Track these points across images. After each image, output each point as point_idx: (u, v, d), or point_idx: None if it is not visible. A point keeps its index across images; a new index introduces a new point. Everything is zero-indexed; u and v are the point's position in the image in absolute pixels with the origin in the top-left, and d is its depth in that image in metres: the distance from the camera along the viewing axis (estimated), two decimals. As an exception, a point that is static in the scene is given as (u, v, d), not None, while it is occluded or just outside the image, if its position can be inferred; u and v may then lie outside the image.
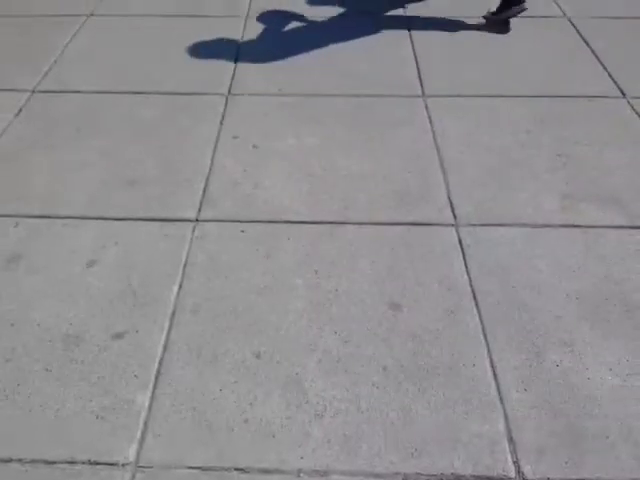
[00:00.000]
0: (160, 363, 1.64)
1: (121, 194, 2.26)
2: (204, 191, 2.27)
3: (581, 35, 3.29)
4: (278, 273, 1.92)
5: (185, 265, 1.95)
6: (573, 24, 3.40)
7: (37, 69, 3.01)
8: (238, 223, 2.13)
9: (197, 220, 2.14)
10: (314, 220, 2.13)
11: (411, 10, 3.59)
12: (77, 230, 2.09)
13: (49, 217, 2.15)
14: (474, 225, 2.10)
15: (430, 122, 2.65)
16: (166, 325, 1.74)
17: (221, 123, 2.65)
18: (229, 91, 2.87)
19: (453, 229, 2.09)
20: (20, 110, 2.73)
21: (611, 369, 1.62)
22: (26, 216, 2.15)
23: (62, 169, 2.39)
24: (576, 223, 2.11)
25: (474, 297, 1.82)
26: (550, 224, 2.10)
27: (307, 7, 3.61)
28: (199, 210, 2.18)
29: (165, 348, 1.67)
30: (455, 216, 2.14)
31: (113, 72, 3.01)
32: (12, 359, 1.65)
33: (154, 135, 2.58)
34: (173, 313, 1.78)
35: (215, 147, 2.51)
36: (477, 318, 1.76)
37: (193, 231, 2.09)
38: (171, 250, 2.01)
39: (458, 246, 2.02)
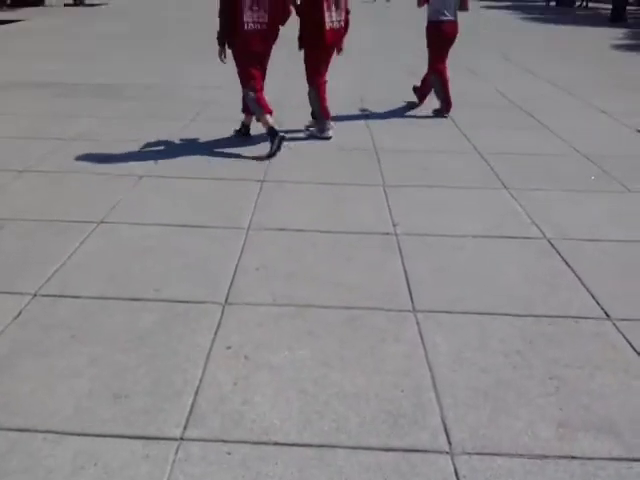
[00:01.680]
0: None
1: (107, 407, 2.21)
2: (192, 406, 2.23)
3: (562, 256, 3.49)
4: (263, 504, 1.80)
5: (165, 492, 1.84)
6: (553, 245, 3.63)
7: (42, 273, 3.13)
8: (224, 444, 2.05)
9: (182, 439, 2.06)
10: (304, 442, 2.06)
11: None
12: (57, 447, 2.01)
13: (29, 430, 2.08)
14: (470, 454, 2.03)
15: (421, 338, 2.70)
16: None
17: (215, 333, 2.69)
18: (226, 300, 2.96)
19: (448, 457, 2.02)
20: (19, 313, 2.79)
21: None
22: (6, 429, 2.08)
23: (51, 377, 2.37)
24: (573, 454, 2.04)
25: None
26: (547, 455, 2.04)
27: (313, 233, 3.87)
28: (185, 428, 2.11)
29: None
30: (450, 443, 2.08)
31: (116, 278, 3.12)
32: None
33: (148, 343, 2.60)
34: None
35: (208, 357, 2.52)
36: None
37: (176, 452, 2.00)
38: (151, 474, 1.91)
39: (454, 477, 1.93)
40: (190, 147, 5.38)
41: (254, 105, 5.13)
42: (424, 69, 6.76)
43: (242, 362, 2.50)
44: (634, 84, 8.88)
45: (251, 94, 5.09)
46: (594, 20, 18.73)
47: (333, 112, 5.80)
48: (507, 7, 22.27)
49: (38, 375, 2.38)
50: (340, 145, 5.52)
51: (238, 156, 5.16)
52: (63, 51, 10.71)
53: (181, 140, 5.57)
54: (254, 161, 5.01)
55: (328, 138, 5.66)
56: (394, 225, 3.86)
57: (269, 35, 5.01)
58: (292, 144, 5.43)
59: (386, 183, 4.60)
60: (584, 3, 23.13)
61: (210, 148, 5.35)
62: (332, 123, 5.75)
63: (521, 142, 5.77)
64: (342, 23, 5.44)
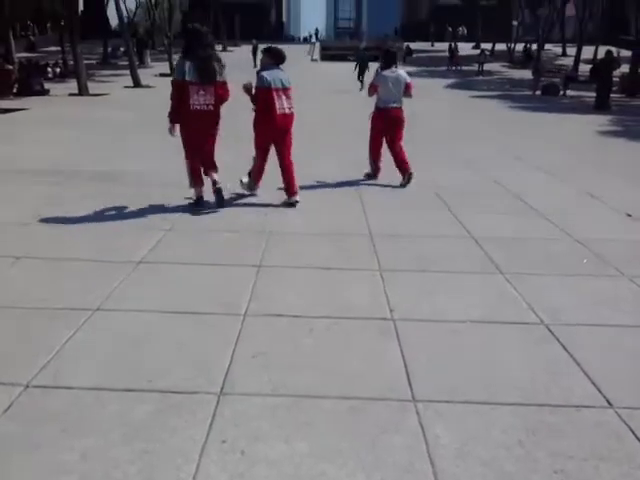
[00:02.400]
0: None
1: (96, 507, 2.11)
2: (185, 506, 2.14)
3: (561, 342, 3.47)
4: None
5: None
6: (551, 331, 3.62)
7: (35, 363, 3.08)
8: None
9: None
10: None
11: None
12: None
13: (13, 534, 1.98)
14: None
15: (422, 429, 2.63)
16: None
17: (210, 425, 2.62)
18: (221, 390, 2.90)
19: None
20: (10, 405, 2.72)
21: None
22: (-11, 532, 1.98)
23: (38, 474, 2.28)
24: None
25: None
26: None
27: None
28: (178, 530, 2.02)
29: None
30: None
31: (110, 368, 3.08)
32: None
33: (141, 437, 2.53)
34: None
35: (202, 452, 2.44)
36: None
37: None
38: None
39: None
40: (185, 232, 5.46)
41: (189, 175, 6.19)
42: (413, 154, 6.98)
43: (238, 457, 2.42)
44: (620, 169, 9.15)
45: (188, 165, 6.15)
46: (579, 108, 19.53)
47: (326, 194, 5.93)
48: (495, 96, 23.24)
49: (26, 472, 2.29)
50: (334, 229, 5.60)
51: (232, 240, 5.23)
52: (65, 138, 11.05)
53: (176, 226, 5.65)
54: (250, 246, 5.07)
55: (255, 195, 6.71)
56: (391, 310, 3.86)
57: (213, 115, 6.00)
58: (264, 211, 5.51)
59: (382, 268, 4.63)
60: (563, 92, 24.17)
61: (206, 232, 5.43)
62: (260, 183, 6.75)
63: (514, 227, 5.87)
64: (292, 110, 6.35)
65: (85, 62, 23.01)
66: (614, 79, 20.67)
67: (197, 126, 5.90)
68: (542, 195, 7.24)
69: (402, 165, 7.63)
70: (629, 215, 6.35)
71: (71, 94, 20.50)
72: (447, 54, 36.99)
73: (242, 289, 4.14)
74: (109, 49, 37.54)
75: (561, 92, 24.25)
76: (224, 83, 6.05)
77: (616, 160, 10.16)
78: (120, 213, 6.04)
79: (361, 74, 24.75)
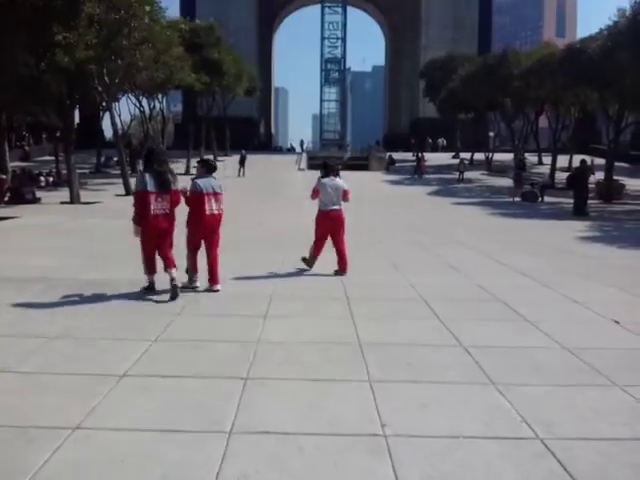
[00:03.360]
0: None
1: None
2: None
3: (557, 458, 3.37)
4: None
5: None
6: (547, 446, 3.51)
7: (8, 489, 2.91)
8: None
9: None
10: None
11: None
12: None
13: None
14: None
15: None
16: None
17: None
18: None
19: None
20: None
21: None
22: None
23: None
24: None
25: None
26: None
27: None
28: None
29: None
30: None
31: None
32: None
33: None
34: None
35: None
36: None
37: None
38: None
39: None
40: (172, 344, 5.37)
41: (144, 263, 7.26)
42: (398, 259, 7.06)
43: None
44: (602, 275, 9.30)
45: (144, 256, 7.19)
46: (558, 214, 20.18)
47: (318, 304, 5.90)
48: (476, 203, 24.03)
49: None
50: (323, 338, 5.55)
51: (219, 354, 5.14)
52: (55, 246, 11.11)
53: (162, 336, 5.57)
54: (235, 358, 4.98)
55: (196, 287, 7.52)
56: (382, 425, 3.75)
57: (170, 217, 7.20)
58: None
59: (371, 379, 4.55)
60: (541, 198, 25.06)
61: (194, 340, 5.35)
62: (197, 275, 7.60)
63: (503, 335, 5.85)
64: (220, 211, 7.55)
65: (78, 171, 23.68)
66: (590, 186, 21.56)
67: (156, 227, 7.04)
68: (527, 301, 7.29)
69: (341, 259, 8.86)
70: (616, 322, 6.38)
71: (63, 202, 20.90)
72: (418, 162, 38.72)
73: (229, 403, 4.02)
74: (102, 159, 38.75)
75: (539, 199, 25.14)
76: (177, 191, 7.29)
77: (597, 265, 10.36)
78: (106, 324, 5.96)
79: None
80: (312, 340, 5.52)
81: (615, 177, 26.50)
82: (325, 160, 9.45)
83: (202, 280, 7.58)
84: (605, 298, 7.55)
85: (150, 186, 6.97)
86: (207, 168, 7.70)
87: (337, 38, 72.68)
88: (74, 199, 21.00)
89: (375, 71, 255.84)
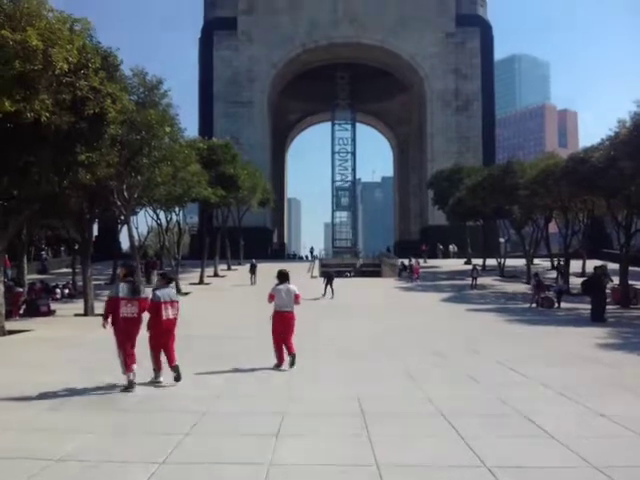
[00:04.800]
0: None
1: None
2: None
3: None
4: None
5: None
6: None
7: None
8: None
9: None
10: None
11: None
12: None
13: None
14: None
15: None
16: None
17: None
18: None
19: None
20: None
21: None
22: None
23: None
24: None
25: None
26: None
27: None
28: None
29: None
30: None
31: None
32: None
33: None
34: None
35: None
36: None
37: None
38: None
39: None
40: (184, 464, 5.16)
41: (123, 362, 8.30)
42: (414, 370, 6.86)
43: None
44: (626, 384, 8.98)
45: (122, 354, 8.32)
46: (576, 320, 19.83)
47: (332, 420, 5.69)
48: (491, 310, 23.75)
49: None
50: (339, 460, 5.30)
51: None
52: (65, 361, 11.00)
53: (170, 459, 5.36)
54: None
55: (160, 382, 8.69)
56: None
57: (137, 320, 8.54)
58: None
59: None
60: (557, 305, 24.78)
61: (205, 463, 5.13)
62: (162, 371, 8.77)
63: (527, 453, 5.57)
64: (175, 316, 8.92)
65: (94, 282, 23.95)
66: (606, 291, 21.35)
67: (126, 329, 8.40)
68: (550, 415, 7.00)
69: (289, 348, 10.17)
70: (646, 437, 6.07)
71: (77, 314, 20.96)
72: (412, 267, 39.54)
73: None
74: (118, 270, 39.26)
75: (556, 305, 24.85)
76: (145, 298, 8.73)
77: (619, 374, 10.02)
78: (113, 446, 5.76)
79: (328, 285, 29.58)
80: (327, 462, 5.27)
81: (630, 282, 26.31)
82: (280, 270, 10.73)
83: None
84: (630, 410, 7.22)
85: (123, 293, 8.44)
86: (166, 280, 9.29)
87: (347, 152, 75.93)
88: (88, 311, 21.05)
89: (384, 181, 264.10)
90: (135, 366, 8.30)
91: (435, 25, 63.28)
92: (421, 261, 49.51)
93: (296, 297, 10.32)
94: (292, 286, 10.40)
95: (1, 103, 11.44)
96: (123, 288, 8.48)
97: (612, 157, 22.94)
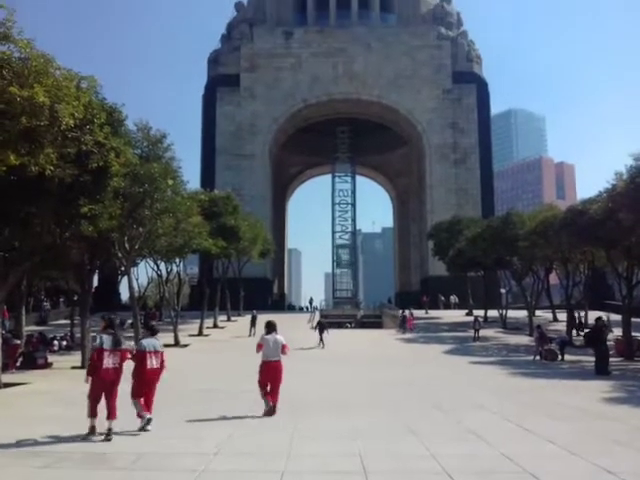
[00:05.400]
0: None
1: None
2: None
3: None
4: None
5: None
6: None
7: None
8: None
9: None
10: None
11: None
12: None
13: None
14: None
15: None
16: None
17: None
18: None
19: None
20: None
21: None
22: None
23: None
24: None
25: None
26: None
27: None
28: None
29: None
30: None
31: None
32: None
33: None
34: None
35: None
36: None
37: None
38: None
39: None
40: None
41: (90, 407, 8.81)
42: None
43: None
44: (632, 439, 8.77)
45: (91, 401, 8.82)
46: (580, 373, 19.55)
47: None
48: (494, 362, 23.44)
49: None
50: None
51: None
52: (58, 416, 10.79)
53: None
54: None
55: (148, 429, 9.08)
56: None
57: (119, 371, 8.99)
58: None
59: None
60: (561, 357, 24.46)
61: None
62: (148, 414, 9.24)
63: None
64: (159, 365, 9.45)
65: (92, 334, 23.73)
66: (609, 343, 21.13)
67: (106, 378, 8.78)
68: (558, 473, 6.82)
69: (273, 397, 10.69)
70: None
71: (74, 367, 20.69)
72: (404, 318, 39.54)
73: None
74: (117, 321, 38.93)
75: (559, 357, 24.55)
76: (125, 350, 9.17)
77: (626, 428, 9.81)
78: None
79: (321, 334, 29.43)
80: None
81: (633, 333, 26.06)
82: (268, 321, 11.27)
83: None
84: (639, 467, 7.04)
85: (106, 345, 8.85)
86: (151, 332, 9.98)
87: (347, 203, 76.57)
88: (85, 364, 20.82)
89: (385, 232, 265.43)
90: (113, 422, 8.71)
91: (432, 82, 64.88)
92: (422, 312, 49.30)
93: (283, 347, 10.80)
94: (279, 336, 10.91)
95: (6, 157, 11.63)
96: (106, 340, 8.89)
97: (610, 209, 23.12)
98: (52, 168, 12.57)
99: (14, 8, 11.70)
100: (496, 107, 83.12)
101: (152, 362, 9.33)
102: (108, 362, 8.80)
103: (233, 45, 66.58)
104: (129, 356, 9.25)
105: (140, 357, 9.32)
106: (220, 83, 64.99)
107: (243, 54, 65.22)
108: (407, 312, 41.06)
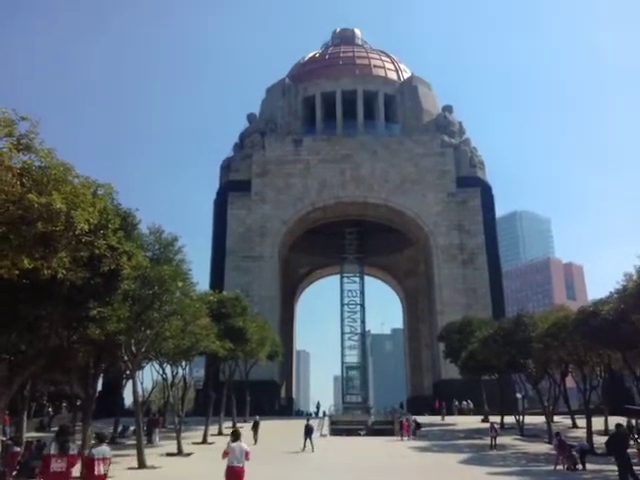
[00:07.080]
0: None
1: None
2: None
3: None
4: None
5: None
6: None
7: None
8: None
9: None
10: None
11: None
12: None
13: None
14: None
15: None
16: None
17: None
18: None
19: None
20: None
21: None
22: None
23: None
24: None
25: None
26: None
27: None
28: None
29: None
30: None
31: None
32: None
33: None
34: None
35: None
36: None
37: None
38: None
39: None
40: None
41: None
42: None
43: None
44: None
45: None
46: None
47: None
48: (514, 473, 22.24)
49: None
50: None
51: None
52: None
53: None
54: None
55: None
56: None
57: (66, 475, 10.05)
58: None
59: None
60: (582, 466, 23.26)
61: None
62: None
63: None
64: (106, 469, 10.96)
65: (93, 442, 22.89)
66: (632, 450, 20.11)
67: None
68: None
69: None
70: None
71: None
72: (401, 424, 38.67)
73: None
74: (120, 428, 37.74)
75: (580, 466, 23.29)
76: (74, 455, 10.52)
77: None
78: None
79: (306, 438, 28.92)
80: None
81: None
82: (233, 430, 12.75)
83: None
84: None
85: (53, 450, 10.17)
86: (101, 440, 11.19)
87: (356, 304, 76.19)
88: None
89: (395, 333, 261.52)
90: None
91: (437, 186, 66.61)
92: (438, 418, 47.57)
93: (246, 454, 12.32)
94: (244, 444, 12.64)
95: (20, 261, 11.82)
96: (55, 446, 10.46)
97: (622, 310, 22.87)
98: (64, 272, 12.72)
99: (37, 120, 12.31)
100: (501, 209, 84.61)
101: (100, 469, 10.62)
102: (55, 466, 10.24)
103: (245, 153, 69.44)
104: (76, 462, 10.97)
105: (89, 464, 10.60)
106: (232, 188, 67.08)
107: (255, 160, 67.78)
108: (404, 418, 40.50)
